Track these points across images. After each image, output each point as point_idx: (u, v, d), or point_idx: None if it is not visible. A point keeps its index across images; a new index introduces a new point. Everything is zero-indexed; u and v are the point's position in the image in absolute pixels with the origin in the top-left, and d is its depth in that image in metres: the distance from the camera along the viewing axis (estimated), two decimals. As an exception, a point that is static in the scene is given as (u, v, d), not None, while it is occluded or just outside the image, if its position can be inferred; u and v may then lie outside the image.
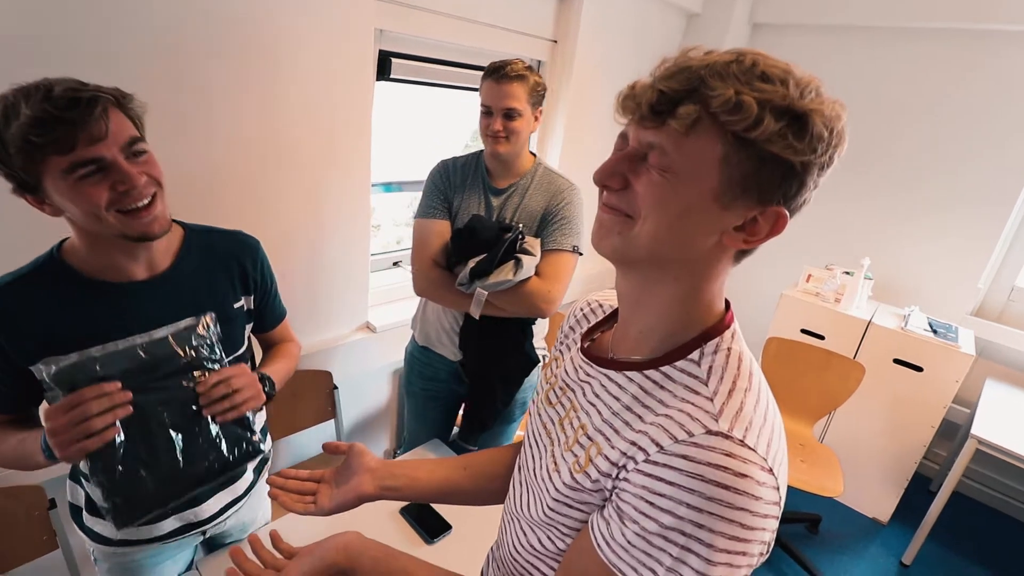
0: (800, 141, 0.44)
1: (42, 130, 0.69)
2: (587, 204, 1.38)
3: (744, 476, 0.43)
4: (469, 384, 1.56)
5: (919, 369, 2.25)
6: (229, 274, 1.00)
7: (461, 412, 1.70)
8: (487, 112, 1.37)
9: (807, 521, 2.38)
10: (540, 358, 1.57)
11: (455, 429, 1.77)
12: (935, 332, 2.27)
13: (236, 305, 1.01)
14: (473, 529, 1.25)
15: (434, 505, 1.27)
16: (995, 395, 2.30)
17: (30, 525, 1.21)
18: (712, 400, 0.49)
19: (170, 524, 1.01)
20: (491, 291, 1.34)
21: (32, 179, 0.74)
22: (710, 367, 0.52)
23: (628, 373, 0.57)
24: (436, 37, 1.79)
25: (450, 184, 1.47)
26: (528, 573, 0.65)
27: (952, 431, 2.57)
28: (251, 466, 1.11)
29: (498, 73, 1.33)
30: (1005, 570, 2.28)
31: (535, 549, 0.63)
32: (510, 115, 1.35)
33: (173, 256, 0.93)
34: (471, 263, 1.33)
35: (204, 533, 1.09)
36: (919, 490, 2.58)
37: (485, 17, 1.88)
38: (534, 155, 1.51)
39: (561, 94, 2.31)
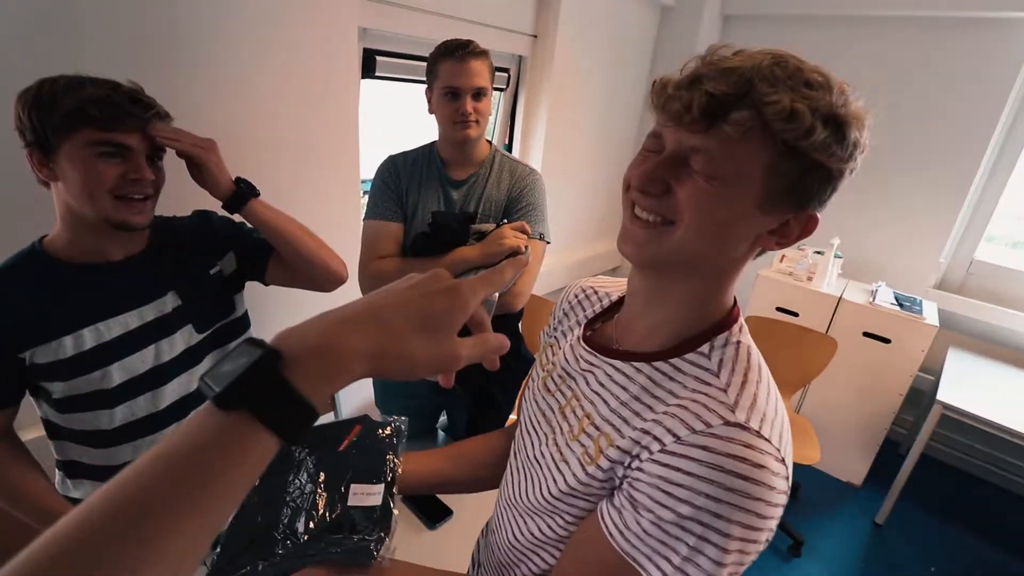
0: (842, 149, 0.45)
1: (101, 107, 0.78)
2: (548, 191, 1.42)
3: (761, 467, 0.44)
4: (471, 401, 1.45)
5: (887, 341, 2.38)
6: (195, 245, 1.06)
7: (445, 416, 1.65)
8: (454, 94, 1.24)
9: (787, 489, 2.50)
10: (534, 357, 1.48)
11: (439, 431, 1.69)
12: (901, 305, 2.41)
13: (212, 271, 1.07)
14: (474, 513, 1.26)
15: (434, 492, 1.28)
16: (957, 363, 2.45)
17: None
18: (726, 392, 0.49)
19: None
20: (503, 292, 1.21)
21: (54, 141, 0.79)
22: (720, 360, 0.53)
23: (636, 364, 0.56)
24: (419, 34, 1.83)
25: (401, 181, 1.34)
26: (528, 559, 0.63)
27: (918, 398, 2.72)
28: None
29: (463, 50, 1.22)
30: (971, 526, 2.45)
31: (535, 537, 0.61)
32: (479, 95, 1.25)
33: (145, 240, 0.99)
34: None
35: None
36: (890, 454, 2.72)
37: (467, 13, 1.93)
38: (489, 142, 1.42)
39: (543, 88, 2.37)
